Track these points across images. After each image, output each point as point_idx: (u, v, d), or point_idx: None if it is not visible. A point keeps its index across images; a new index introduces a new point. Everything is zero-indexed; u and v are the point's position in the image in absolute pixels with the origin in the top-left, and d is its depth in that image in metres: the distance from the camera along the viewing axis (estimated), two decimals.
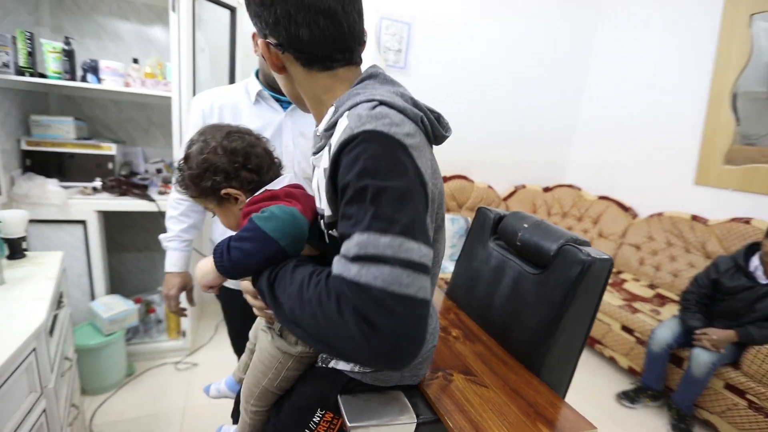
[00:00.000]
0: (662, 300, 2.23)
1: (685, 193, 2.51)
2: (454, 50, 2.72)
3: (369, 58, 2.52)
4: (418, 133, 0.52)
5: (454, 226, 2.61)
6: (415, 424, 0.62)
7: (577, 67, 3.10)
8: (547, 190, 3.16)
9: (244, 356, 0.91)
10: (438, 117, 0.59)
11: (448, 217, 2.62)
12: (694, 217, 2.39)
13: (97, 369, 1.64)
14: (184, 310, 1.19)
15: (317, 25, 0.53)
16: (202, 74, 1.79)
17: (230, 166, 0.65)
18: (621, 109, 2.91)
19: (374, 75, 0.59)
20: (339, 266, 0.45)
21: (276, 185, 0.69)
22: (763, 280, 1.69)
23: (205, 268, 0.63)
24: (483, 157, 3.00)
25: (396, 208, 0.45)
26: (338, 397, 0.64)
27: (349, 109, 0.52)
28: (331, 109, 0.57)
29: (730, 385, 1.68)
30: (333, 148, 0.50)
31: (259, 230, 0.56)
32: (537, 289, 0.84)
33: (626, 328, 2.10)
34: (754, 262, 1.74)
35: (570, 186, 3.14)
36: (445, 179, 2.84)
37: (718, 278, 1.80)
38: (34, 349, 0.82)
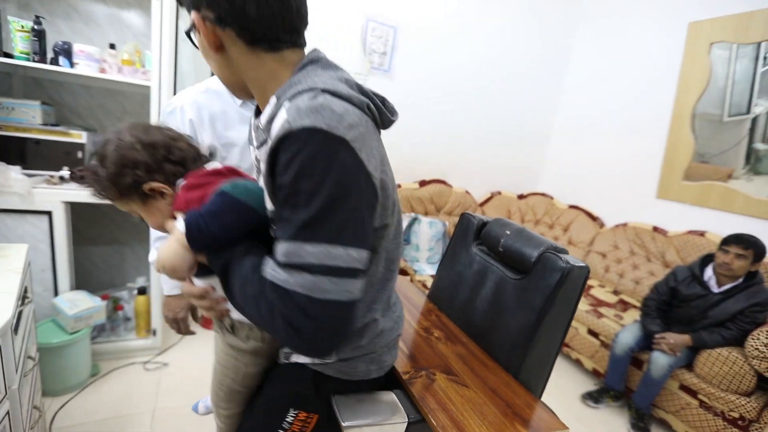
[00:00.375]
0: (625, 305, 2.36)
1: (648, 205, 2.68)
2: (437, 55, 2.77)
3: (354, 60, 2.53)
4: (364, 122, 0.50)
5: (432, 230, 2.65)
6: (406, 423, 0.63)
7: (553, 79, 3.23)
8: (521, 197, 3.27)
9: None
10: (383, 101, 0.58)
11: (425, 220, 2.66)
12: (656, 228, 2.55)
13: (60, 369, 1.56)
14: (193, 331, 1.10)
15: (266, 0, 0.50)
16: (184, 65, 1.74)
17: (151, 159, 0.60)
18: (592, 123, 3.06)
19: (316, 60, 0.56)
20: (271, 269, 0.49)
21: (213, 166, 0.65)
22: (715, 289, 1.83)
23: (173, 253, 0.55)
24: (461, 162, 3.07)
25: (327, 213, 0.46)
26: (331, 397, 0.64)
27: (290, 99, 0.49)
28: (273, 100, 0.53)
29: (684, 386, 1.80)
30: (271, 144, 0.48)
31: (236, 201, 0.54)
32: (518, 294, 0.88)
33: (592, 332, 2.21)
34: (708, 272, 1.88)
35: (543, 194, 3.26)
36: (424, 183, 2.89)
37: (675, 286, 1.93)
38: None
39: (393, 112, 0.60)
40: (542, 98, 3.24)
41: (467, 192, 3.06)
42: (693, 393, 1.77)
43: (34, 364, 1.11)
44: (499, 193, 3.22)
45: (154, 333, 1.88)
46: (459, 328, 1.01)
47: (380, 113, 0.56)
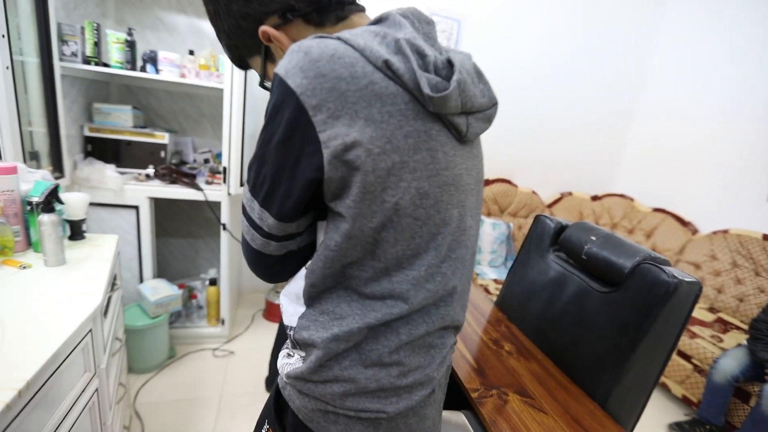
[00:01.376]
0: (725, 326, 2.03)
1: (756, 209, 2.28)
2: (502, 47, 2.61)
3: None
4: (362, 78, 0.42)
5: (495, 231, 2.51)
6: None
7: (636, 65, 2.88)
8: (595, 198, 2.98)
9: None
10: (437, 69, 0.45)
11: (488, 221, 2.52)
12: (767, 237, 2.16)
13: (143, 350, 1.71)
14: None
15: None
16: None
17: None
18: (684, 113, 2.68)
19: (385, 17, 0.50)
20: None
21: None
22: None
23: None
24: (528, 161, 2.87)
25: (255, 164, 0.48)
26: None
27: None
28: None
29: None
30: None
31: None
32: (606, 310, 0.76)
33: (682, 354, 1.93)
34: None
35: (621, 195, 2.94)
36: (488, 182, 2.74)
37: None
38: (90, 330, 0.84)
39: (438, 88, 0.45)
40: (621, 85, 2.91)
41: (534, 192, 2.86)
42: None
43: (121, 345, 1.21)
44: (570, 193, 2.96)
45: (223, 322, 2.00)
46: (532, 343, 0.91)
47: (417, 78, 0.44)
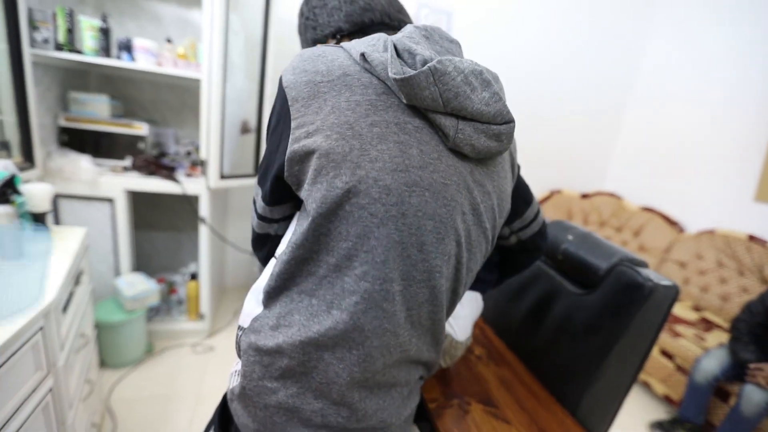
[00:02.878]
0: (708, 325, 2.04)
1: (743, 209, 2.27)
2: (494, 41, 2.57)
3: None
4: (338, 71, 0.46)
5: None
6: None
7: (626, 63, 2.86)
8: (585, 196, 2.97)
9: None
10: (414, 55, 0.44)
11: None
12: (752, 238, 2.16)
13: (118, 344, 1.67)
14: None
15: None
16: (235, 58, 1.76)
17: None
18: (673, 112, 2.67)
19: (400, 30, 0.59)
20: None
21: None
22: None
23: None
24: (518, 157, 2.84)
25: (265, 149, 0.54)
26: None
27: None
28: None
29: None
30: None
31: None
32: (581, 312, 0.74)
33: (665, 353, 1.93)
34: None
35: (611, 195, 2.93)
36: None
37: None
38: (41, 328, 0.80)
39: (403, 72, 0.44)
40: (611, 82, 2.88)
41: None
42: None
43: (87, 341, 1.17)
44: (559, 191, 2.95)
45: (203, 317, 1.96)
46: (505, 346, 0.89)
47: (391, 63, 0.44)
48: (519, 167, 0.62)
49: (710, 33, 2.50)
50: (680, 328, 1.97)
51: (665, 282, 0.67)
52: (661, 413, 1.90)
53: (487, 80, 0.46)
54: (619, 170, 3.02)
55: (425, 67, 0.42)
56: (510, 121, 0.47)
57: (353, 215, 0.44)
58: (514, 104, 2.77)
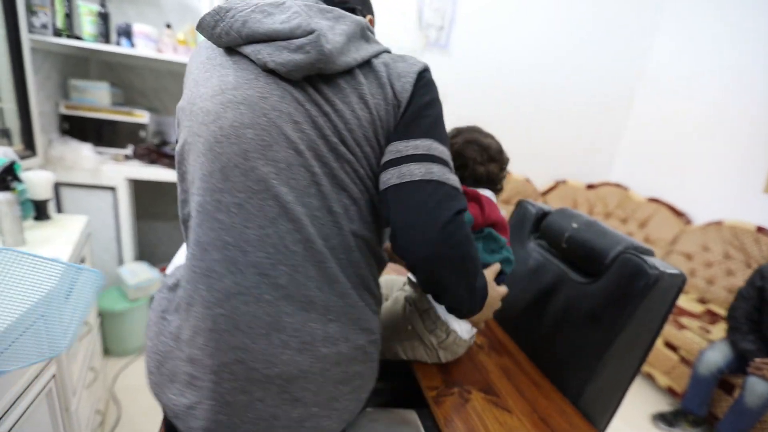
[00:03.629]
0: (713, 317, 2.02)
1: (752, 201, 2.24)
2: (499, 27, 2.52)
3: (410, 34, 2.38)
4: (200, 45, 0.57)
5: None
6: None
7: (633, 52, 2.80)
8: (590, 187, 2.93)
9: None
10: (225, 11, 0.51)
11: None
12: (761, 229, 2.13)
13: (122, 333, 1.68)
14: None
15: None
16: None
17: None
18: (681, 103, 2.61)
19: None
20: None
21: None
22: None
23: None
24: (522, 147, 2.80)
25: None
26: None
27: None
28: None
29: None
30: None
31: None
32: (585, 301, 0.73)
33: (670, 345, 1.92)
34: None
35: (617, 185, 2.89)
36: None
37: (763, 285, 1.59)
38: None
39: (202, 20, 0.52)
40: (618, 71, 2.82)
41: (527, 180, 2.80)
42: None
43: (90, 329, 1.17)
44: (565, 182, 2.91)
45: None
46: (507, 335, 0.88)
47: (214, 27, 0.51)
48: (419, 104, 0.52)
49: (717, 24, 2.43)
50: (685, 320, 1.96)
51: (671, 270, 0.65)
52: (663, 405, 1.90)
53: (287, 6, 0.50)
54: (626, 161, 2.98)
55: (211, 9, 0.51)
56: (310, 32, 0.48)
57: (190, 145, 0.51)
58: (517, 94, 2.72)
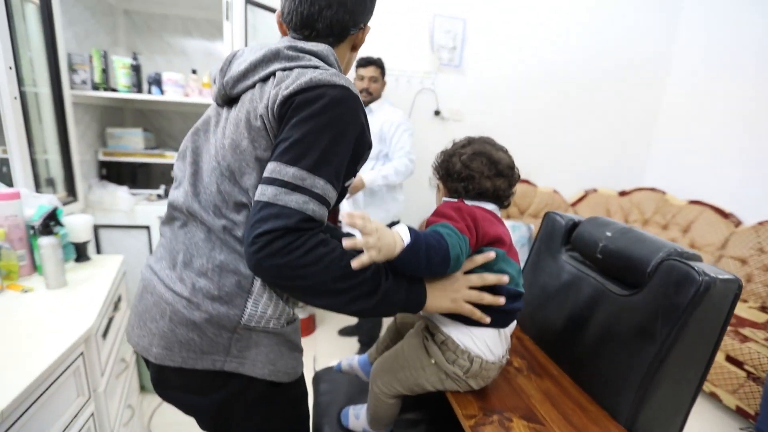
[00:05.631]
0: None
1: None
2: (513, 44, 2.52)
3: (423, 57, 2.42)
4: None
5: (515, 234, 2.39)
6: None
7: (660, 47, 2.71)
8: (623, 194, 2.80)
9: (383, 335, 0.92)
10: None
11: (507, 224, 2.41)
12: None
13: None
14: None
15: None
16: None
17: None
18: (715, 98, 2.48)
19: None
20: None
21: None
22: None
23: (388, 247, 0.54)
24: (547, 159, 2.74)
25: None
26: None
27: None
28: None
29: None
30: None
31: (452, 259, 0.57)
32: (628, 315, 0.67)
33: (732, 359, 1.74)
34: None
35: (652, 189, 2.75)
36: None
37: None
38: (81, 354, 0.82)
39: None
40: (642, 71, 2.74)
41: (555, 191, 2.72)
42: None
43: (127, 366, 1.20)
44: (595, 190, 2.80)
45: None
46: (547, 356, 0.82)
47: None
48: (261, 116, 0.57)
49: (746, 11, 2.33)
50: (747, 332, 1.78)
51: (724, 275, 0.59)
52: (734, 429, 1.70)
53: (232, 56, 0.67)
54: (660, 164, 2.84)
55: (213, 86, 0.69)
56: (259, 57, 0.61)
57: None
58: (538, 106, 2.68)
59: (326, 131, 0.53)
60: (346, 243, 0.52)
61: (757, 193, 2.26)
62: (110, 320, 1.07)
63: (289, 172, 0.51)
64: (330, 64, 0.61)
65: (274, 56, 0.59)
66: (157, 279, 0.61)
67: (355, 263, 0.51)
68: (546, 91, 2.64)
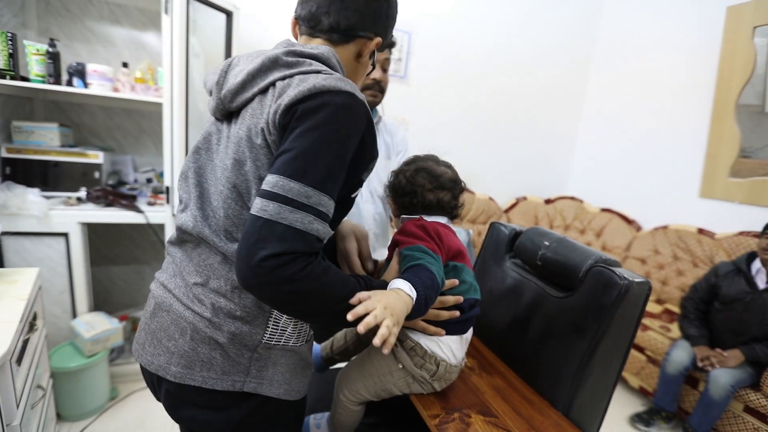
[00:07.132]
0: (671, 316, 2.16)
1: (690, 205, 2.47)
2: (453, 56, 2.68)
3: None
4: None
5: None
6: None
7: (577, 70, 3.07)
8: (548, 202, 3.11)
9: (340, 333, 0.93)
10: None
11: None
12: (701, 231, 2.34)
13: (77, 393, 1.52)
14: None
15: None
16: (196, 81, 1.72)
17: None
18: (623, 120, 2.88)
19: None
20: None
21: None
22: (762, 285, 1.64)
23: (401, 312, 0.52)
24: (483, 168, 2.95)
25: None
26: None
27: None
28: None
29: (751, 408, 1.60)
30: None
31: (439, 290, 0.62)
32: (564, 315, 0.76)
33: (637, 346, 2.02)
34: (756, 265, 1.71)
35: (572, 198, 3.09)
36: None
37: (716, 282, 1.78)
38: None
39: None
40: (566, 93, 3.08)
41: (491, 198, 2.93)
42: (762, 416, 1.56)
43: (43, 394, 1.06)
44: (525, 198, 3.07)
45: None
46: (495, 355, 0.89)
47: None
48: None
49: (653, 50, 2.74)
50: (647, 321, 2.08)
51: (638, 279, 0.70)
52: (637, 405, 1.98)
53: (229, 65, 0.63)
54: (579, 175, 3.20)
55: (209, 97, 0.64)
56: (251, 72, 0.58)
57: None
58: (480, 118, 2.85)
59: (331, 144, 0.50)
60: (384, 351, 0.50)
61: (654, 204, 2.66)
62: (25, 342, 0.94)
63: (294, 188, 0.48)
64: (332, 68, 0.58)
65: (272, 64, 0.56)
66: (173, 298, 0.59)
67: (361, 327, 0.48)
68: (483, 103, 2.84)
